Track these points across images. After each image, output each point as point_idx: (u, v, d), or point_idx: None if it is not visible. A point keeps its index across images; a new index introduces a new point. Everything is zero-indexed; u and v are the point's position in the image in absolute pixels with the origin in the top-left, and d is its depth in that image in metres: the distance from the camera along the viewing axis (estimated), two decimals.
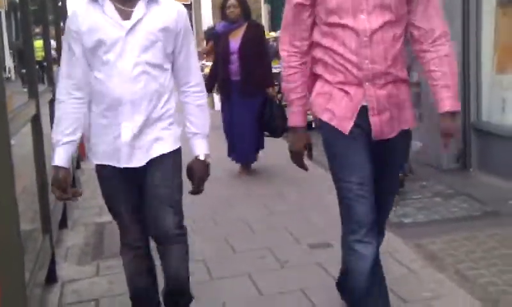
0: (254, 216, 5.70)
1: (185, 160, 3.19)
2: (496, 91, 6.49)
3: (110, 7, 2.94)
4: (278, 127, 7.09)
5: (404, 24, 2.94)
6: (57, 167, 3.01)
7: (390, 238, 4.87)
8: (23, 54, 4.83)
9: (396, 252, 4.56)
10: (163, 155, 3.06)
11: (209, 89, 6.94)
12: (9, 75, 4.99)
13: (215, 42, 7.42)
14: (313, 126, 9.67)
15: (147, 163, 3.05)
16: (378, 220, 3.04)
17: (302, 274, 4.34)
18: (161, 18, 2.97)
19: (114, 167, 3.06)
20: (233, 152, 7.31)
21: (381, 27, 2.83)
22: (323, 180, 6.86)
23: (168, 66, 3.04)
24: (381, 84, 2.90)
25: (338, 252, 4.68)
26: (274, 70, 10.32)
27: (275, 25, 15.64)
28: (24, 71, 5.68)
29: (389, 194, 3.24)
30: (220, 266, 4.60)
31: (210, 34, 16.26)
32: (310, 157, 3.26)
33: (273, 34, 12.17)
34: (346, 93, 2.92)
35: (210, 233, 5.32)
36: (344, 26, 2.84)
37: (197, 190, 3.21)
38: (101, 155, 3.10)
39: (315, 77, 3.06)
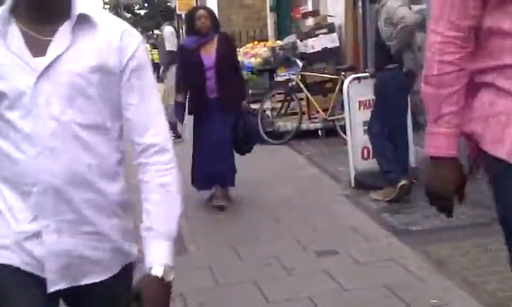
0: (260, 223, 5.71)
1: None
2: None
3: (16, 37, 1.85)
4: (250, 143, 6.66)
5: None
6: None
7: (397, 245, 4.88)
8: None
9: (403, 259, 4.55)
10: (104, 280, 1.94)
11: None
12: None
13: (182, 57, 6.65)
14: (319, 134, 9.78)
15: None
16: None
17: (309, 281, 4.34)
18: (95, 51, 1.86)
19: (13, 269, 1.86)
20: (206, 176, 6.42)
21: None
22: (330, 187, 6.88)
23: (110, 124, 1.91)
24: None
25: (345, 259, 4.70)
26: (279, 78, 10.47)
27: (281, 33, 15.69)
28: None
29: None
30: (226, 273, 4.60)
31: None
32: (462, 198, 2.10)
33: (279, 42, 12.20)
34: None
35: (216, 240, 5.34)
36: None
37: None
38: None
39: (474, 86, 1.99)
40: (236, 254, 4.98)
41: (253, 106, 9.92)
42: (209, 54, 6.24)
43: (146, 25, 42.20)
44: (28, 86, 1.82)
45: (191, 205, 6.33)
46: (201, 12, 6.36)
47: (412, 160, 6.62)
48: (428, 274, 4.31)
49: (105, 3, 41.58)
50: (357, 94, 6.67)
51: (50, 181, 1.82)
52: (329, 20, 10.88)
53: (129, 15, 38.83)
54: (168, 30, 11.37)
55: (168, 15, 31.64)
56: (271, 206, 6.26)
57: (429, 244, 4.82)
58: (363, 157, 6.68)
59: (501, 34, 1.87)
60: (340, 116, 8.99)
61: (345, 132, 7.22)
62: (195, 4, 23.45)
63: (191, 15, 6.46)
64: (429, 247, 4.73)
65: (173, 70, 8.90)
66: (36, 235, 1.85)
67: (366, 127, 6.44)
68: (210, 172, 6.29)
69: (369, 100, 6.55)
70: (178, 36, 12.59)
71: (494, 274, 4.18)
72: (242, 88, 6.75)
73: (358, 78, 6.81)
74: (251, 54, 11.32)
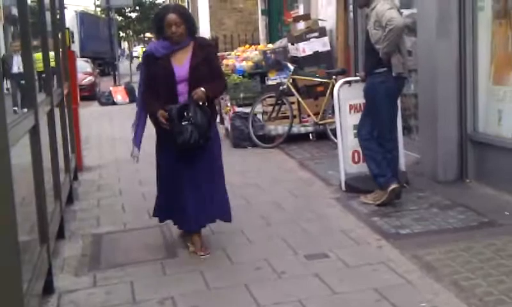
0: (251, 226, 5.71)
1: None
2: (492, 103, 6.52)
3: None
4: (187, 139, 4.86)
5: None
6: None
7: (386, 249, 4.89)
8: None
9: (393, 263, 4.57)
10: None
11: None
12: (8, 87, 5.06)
13: (147, 66, 5.12)
14: (310, 137, 9.79)
15: None
16: None
17: (299, 284, 4.35)
18: None
19: None
20: (176, 217, 5.24)
21: None
22: (321, 191, 6.90)
23: None
24: None
25: (335, 262, 4.71)
26: (271, 82, 10.48)
27: (272, 36, 15.72)
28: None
29: None
30: (217, 276, 4.60)
31: None
32: None
33: (270, 46, 12.23)
34: None
35: (207, 244, 5.33)
36: None
37: None
38: None
39: None
40: (227, 257, 4.98)
41: (244, 110, 9.98)
42: (182, 64, 4.99)
43: (137, 28, 42.11)
44: None
45: None
46: (171, 17, 4.91)
47: (402, 163, 6.65)
48: (418, 277, 4.33)
49: (96, 6, 41.50)
50: (348, 98, 6.69)
51: None
52: (321, 24, 10.92)
53: (120, 18, 38.70)
54: None
55: None
56: (262, 209, 6.26)
57: (419, 247, 4.83)
58: (353, 161, 6.71)
59: None
60: (330, 120, 9.02)
61: (336, 136, 7.24)
62: (186, 7, 23.45)
63: (160, 19, 5.04)
64: (419, 251, 4.75)
65: None
66: None
67: (356, 131, 6.46)
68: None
69: (360, 104, 6.57)
70: None
71: (483, 277, 4.21)
72: (219, 90, 5.31)
73: (349, 82, 6.83)
74: (242, 58, 11.34)
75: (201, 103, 4.97)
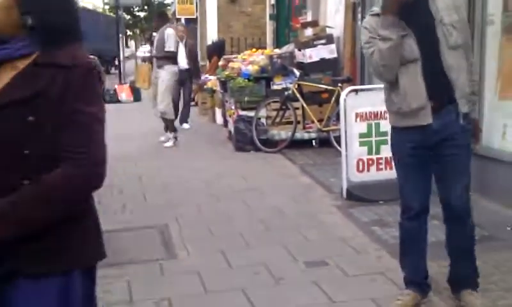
0: (251, 230, 5.69)
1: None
2: (497, 117, 6.49)
3: None
4: None
5: None
6: None
7: (385, 259, 4.87)
8: None
9: (392, 273, 4.54)
10: None
11: None
12: None
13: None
14: (313, 144, 9.77)
15: None
16: None
17: (296, 291, 4.33)
18: None
19: None
20: None
21: None
22: (322, 198, 6.88)
23: None
24: None
25: (334, 271, 4.69)
26: (276, 87, 10.46)
27: (279, 42, 15.70)
28: None
29: None
30: (215, 279, 4.58)
31: (213, 49, 16.42)
32: None
33: (277, 50, 12.21)
34: None
35: (206, 246, 5.32)
36: None
37: None
38: None
39: None
40: (225, 261, 4.96)
41: (249, 113, 9.97)
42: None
43: (145, 27, 42.19)
44: None
45: (181, 210, 6.32)
46: None
47: None
48: None
49: (105, 3, 41.49)
50: (354, 106, 6.65)
51: None
52: (328, 31, 10.91)
53: (128, 17, 38.72)
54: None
55: None
56: (262, 214, 6.24)
57: None
58: (358, 170, 6.65)
59: None
60: (334, 127, 9.01)
61: (339, 143, 7.22)
62: (195, 8, 23.47)
63: None
64: None
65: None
66: None
67: (362, 139, 6.45)
68: None
69: (366, 113, 6.54)
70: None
71: (483, 292, 4.17)
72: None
73: (356, 91, 6.81)
74: (248, 61, 11.31)
75: None
